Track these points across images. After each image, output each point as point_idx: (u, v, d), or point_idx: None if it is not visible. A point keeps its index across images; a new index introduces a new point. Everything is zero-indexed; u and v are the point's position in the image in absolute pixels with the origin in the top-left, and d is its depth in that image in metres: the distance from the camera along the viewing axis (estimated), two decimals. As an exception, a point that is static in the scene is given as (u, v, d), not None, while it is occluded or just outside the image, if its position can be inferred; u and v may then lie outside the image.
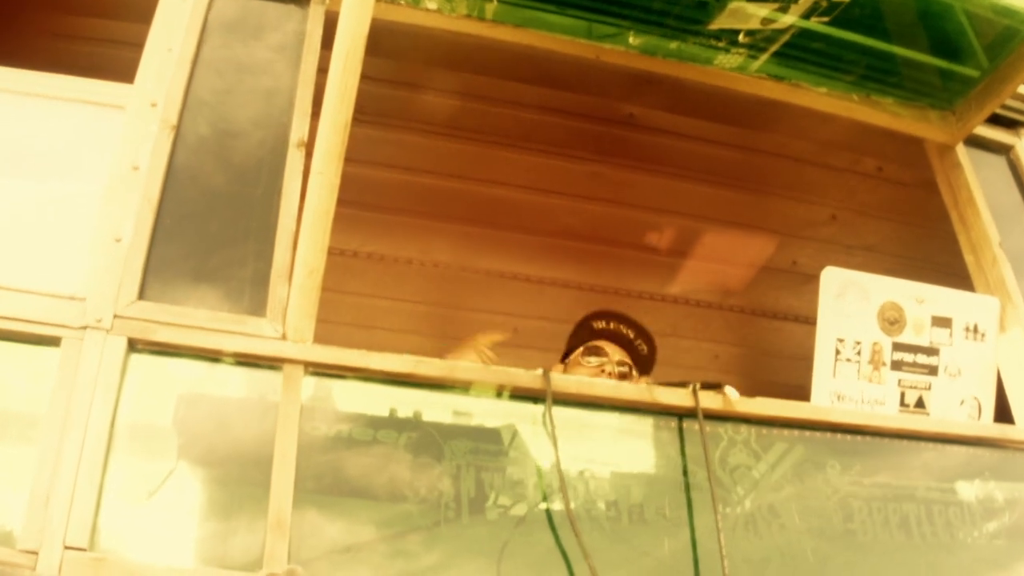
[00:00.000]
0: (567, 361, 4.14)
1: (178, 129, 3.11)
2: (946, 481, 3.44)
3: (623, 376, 3.98)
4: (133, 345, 2.75)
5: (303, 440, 2.74)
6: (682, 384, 3.30)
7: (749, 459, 3.22)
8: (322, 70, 3.23)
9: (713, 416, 3.22)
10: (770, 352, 6.15)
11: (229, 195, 3.08)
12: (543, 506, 2.92)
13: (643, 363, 4.13)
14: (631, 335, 4.12)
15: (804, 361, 3.54)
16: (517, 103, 5.25)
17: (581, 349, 4.08)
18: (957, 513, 3.38)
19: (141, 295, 2.82)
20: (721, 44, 3.90)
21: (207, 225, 3.02)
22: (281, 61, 3.36)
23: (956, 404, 3.63)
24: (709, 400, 3.20)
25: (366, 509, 2.77)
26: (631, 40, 3.91)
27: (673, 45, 3.93)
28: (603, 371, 3.98)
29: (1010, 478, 3.53)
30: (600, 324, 4.18)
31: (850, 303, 3.55)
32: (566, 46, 3.89)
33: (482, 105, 5.21)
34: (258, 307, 2.91)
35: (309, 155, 3.11)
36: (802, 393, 3.45)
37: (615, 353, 4.05)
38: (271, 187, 3.11)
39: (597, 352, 4.04)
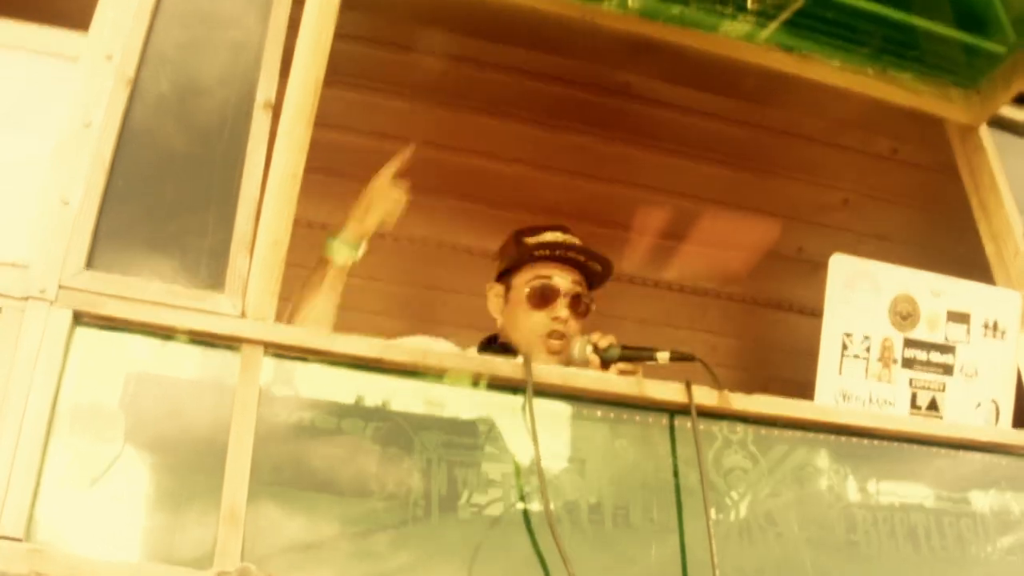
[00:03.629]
0: (508, 296, 4.01)
1: (135, 84, 3.08)
2: (959, 490, 3.45)
3: (576, 306, 3.90)
4: (79, 318, 2.72)
5: (261, 427, 2.72)
6: (648, 349, 3.38)
7: (745, 461, 3.22)
8: (293, 25, 3.22)
9: (708, 414, 3.21)
10: (772, 345, 6.16)
11: (188, 158, 3.06)
12: (520, 506, 2.92)
13: (598, 280, 4.04)
14: (582, 258, 3.96)
15: (808, 356, 3.53)
16: (503, 67, 5.24)
17: (527, 291, 3.90)
18: (969, 525, 3.39)
19: (89, 264, 2.80)
20: (727, 10, 3.90)
21: (163, 189, 3.00)
22: (249, 14, 3.33)
23: (972, 407, 3.63)
24: (704, 396, 3.20)
25: (328, 504, 2.76)
26: (629, 2, 3.90)
27: (675, 9, 3.92)
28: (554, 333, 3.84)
29: (1028, 489, 3.54)
30: (537, 241, 4.02)
31: (860, 294, 3.54)
32: (557, 6, 3.87)
33: (465, 68, 5.20)
34: (216, 281, 2.89)
35: (276, 117, 3.10)
36: (806, 390, 3.45)
37: (563, 280, 3.91)
38: (234, 150, 3.08)
39: (544, 296, 3.87)
